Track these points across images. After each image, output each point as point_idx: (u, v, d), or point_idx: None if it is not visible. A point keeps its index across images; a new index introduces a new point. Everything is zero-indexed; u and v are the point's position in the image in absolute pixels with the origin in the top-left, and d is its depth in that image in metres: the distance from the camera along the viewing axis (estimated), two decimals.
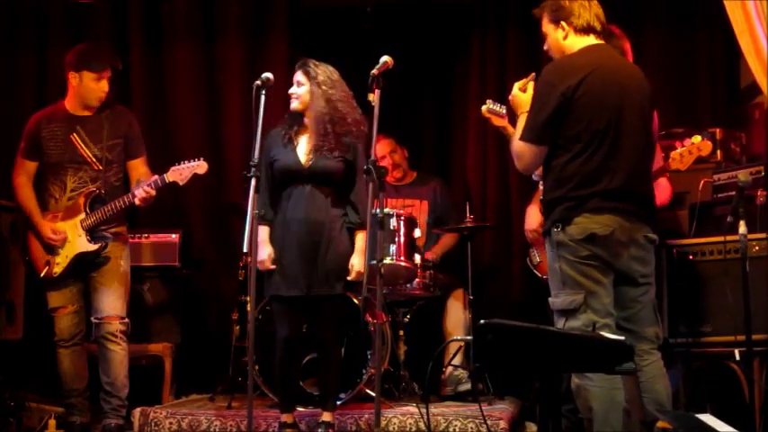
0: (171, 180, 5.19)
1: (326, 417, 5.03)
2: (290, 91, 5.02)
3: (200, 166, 5.21)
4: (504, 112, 4.79)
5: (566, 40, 4.18)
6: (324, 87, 4.95)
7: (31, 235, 5.42)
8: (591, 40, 4.18)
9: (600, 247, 3.98)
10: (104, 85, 5.38)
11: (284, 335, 4.94)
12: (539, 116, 4.05)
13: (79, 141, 5.36)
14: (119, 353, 5.29)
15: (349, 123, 4.98)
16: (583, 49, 4.16)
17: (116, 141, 5.41)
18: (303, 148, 5.01)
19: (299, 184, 4.95)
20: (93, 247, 5.27)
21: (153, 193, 5.19)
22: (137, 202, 5.21)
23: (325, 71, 5.00)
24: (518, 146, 4.13)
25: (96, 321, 5.30)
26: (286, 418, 5.02)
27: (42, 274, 5.35)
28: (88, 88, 5.38)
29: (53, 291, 5.37)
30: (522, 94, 4.27)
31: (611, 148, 4.03)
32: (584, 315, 3.94)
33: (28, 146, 5.47)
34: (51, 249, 5.33)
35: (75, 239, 5.30)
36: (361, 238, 5.03)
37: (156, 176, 5.24)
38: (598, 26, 4.19)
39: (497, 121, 4.75)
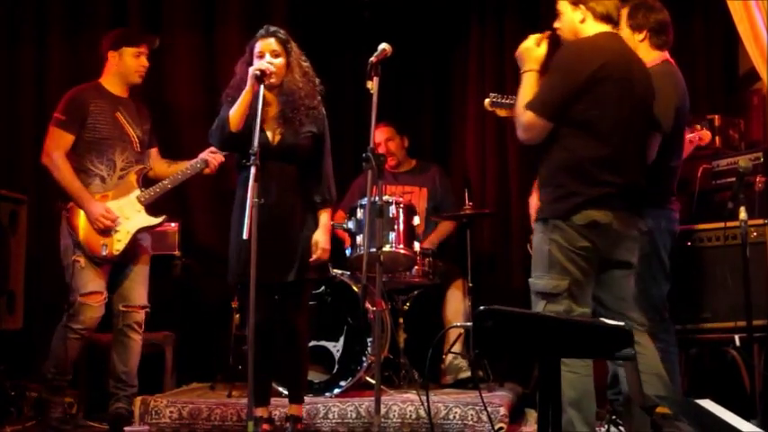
0: (206, 168, 5.49)
1: (294, 410, 4.89)
2: (267, 64, 4.62)
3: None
4: (513, 102, 4.76)
5: (583, 24, 4.15)
6: (300, 59, 4.80)
7: (76, 215, 5.26)
8: (607, 28, 4.16)
9: (598, 236, 3.99)
10: (144, 61, 5.45)
11: (256, 322, 4.39)
12: (558, 93, 4.01)
13: (124, 120, 5.40)
14: (138, 342, 5.33)
15: (317, 97, 4.86)
16: (601, 34, 4.14)
17: (147, 127, 5.55)
18: (268, 125, 4.75)
19: (264, 162, 4.46)
20: (155, 220, 5.36)
21: (221, 158, 5.44)
22: (211, 168, 5.45)
23: (291, 40, 4.81)
24: (528, 117, 4.04)
25: (125, 310, 5.29)
26: (260, 412, 4.77)
27: (104, 254, 5.23)
28: (128, 65, 5.41)
29: (87, 274, 5.22)
30: (536, 49, 4.18)
31: (621, 139, 4.04)
32: (566, 301, 3.97)
33: (71, 117, 5.30)
34: (105, 231, 5.23)
35: (133, 216, 5.29)
36: (325, 215, 4.86)
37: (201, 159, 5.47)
38: (615, 16, 4.19)
39: (504, 113, 4.73)
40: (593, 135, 3.99)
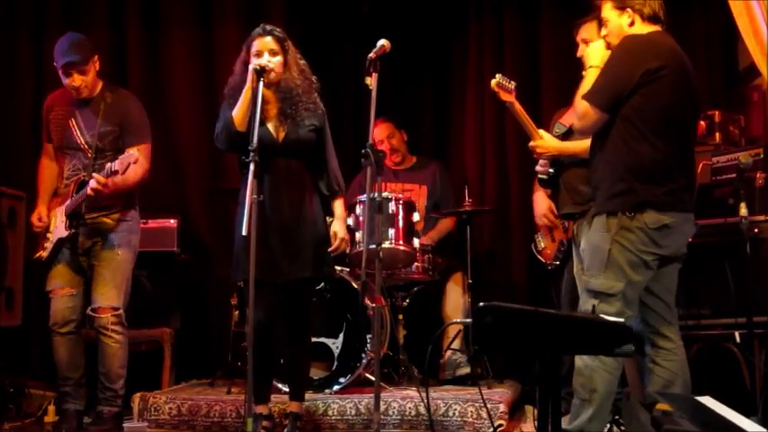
0: (115, 169, 4.90)
1: (295, 407, 4.88)
2: (265, 61, 4.62)
3: (131, 156, 4.87)
4: (513, 87, 4.83)
5: (632, 27, 4.15)
6: (297, 57, 4.79)
7: None
8: (657, 28, 4.16)
9: (664, 238, 4.02)
10: (75, 81, 5.18)
11: (258, 320, 4.46)
12: (612, 84, 4.04)
13: (75, 127, 5.25)
14: (111, 346, 5.20)
15: (314, 93, 4.83)
16: (657, 32, 4.15)
17: (109, 129, 5.22)
18: (270, 122, 4.73)
19: (271, 159, 4.61)
20: (65, 233, 5.20)
21: (102, 181, 4.94)
22: (89, 192, 5.00)
23: (288, 38, 4.78)
24: (583, 106, 4.10)
25: (89, 314, 5.23)
26: (261, 409, 4.76)
27: (35, 257, 5.33)
28: (63, 80, 5.24)
29: (50, 272, 5.29)
30: (605, 50, 4.24)
31: (681, 139, 4.08)
32: (619, 303, 4.00)
33: (44, 127, 5.43)
34: (40, 234, 5.31)
35: (59, 225, 5.24)
36: (339, 206, 4.90)
37: (109, 164, 4.98)
38: (662, 16, 4.19)
39: (505, 96, 4.83)
40: (656, 136, 4.00)
